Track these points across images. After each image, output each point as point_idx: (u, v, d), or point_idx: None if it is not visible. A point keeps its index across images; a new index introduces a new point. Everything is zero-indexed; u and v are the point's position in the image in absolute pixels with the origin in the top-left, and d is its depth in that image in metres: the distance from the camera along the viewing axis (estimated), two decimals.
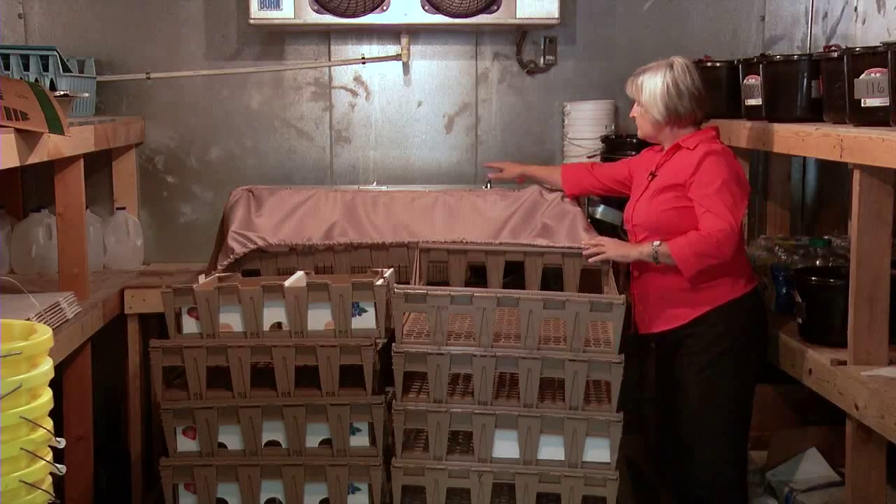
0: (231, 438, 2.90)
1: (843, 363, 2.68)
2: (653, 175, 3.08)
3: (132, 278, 3.80)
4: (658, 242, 2.91)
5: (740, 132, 3.31)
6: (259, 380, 2.90)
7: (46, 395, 2.05)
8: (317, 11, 3.74)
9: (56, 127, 2.63)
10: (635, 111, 3.12)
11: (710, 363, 2.94)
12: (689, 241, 2.88)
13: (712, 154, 2.94)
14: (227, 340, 2.87)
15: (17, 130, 2.53)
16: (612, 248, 3.04)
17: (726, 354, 2.95)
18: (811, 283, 2.97)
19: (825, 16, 3.72)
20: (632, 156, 3.54)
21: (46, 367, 2.06)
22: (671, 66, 3.01)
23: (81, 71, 3.77)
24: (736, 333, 2.96)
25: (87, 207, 3.35)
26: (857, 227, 2.61)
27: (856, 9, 3.47)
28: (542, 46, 4.11)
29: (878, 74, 2.48)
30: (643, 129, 3.13)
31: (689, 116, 3.02)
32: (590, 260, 3.07)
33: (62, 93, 3.17)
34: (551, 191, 3.54)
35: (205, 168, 4.12)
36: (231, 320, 2.89)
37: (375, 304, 2.88)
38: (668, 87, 3.00)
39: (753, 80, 3.26)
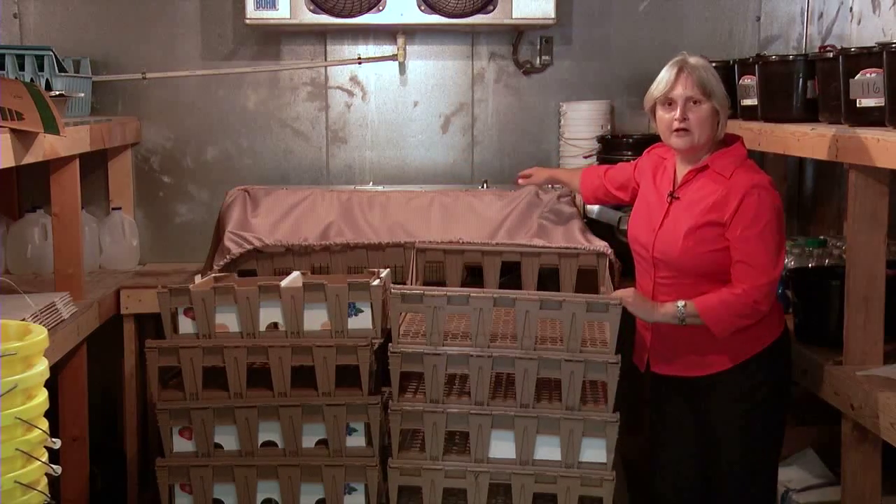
0: (227, 439, 2.90)
1: (839, 363, 2.69)
2: (673, 196, 2.72)
3: (128, 278, 3.79)
4: (683, 303, 2.60)
5: (736, 132, 3.31)
6: (255, 380, 2.90)
7: (42, 396, 2.05)
8: (313, 11, 3.74)
9: (51, 127, 2.63)
10: (697, 112, 2.62)
11: (750, 410, 2.69)
12: (722, 301, 2.58)
13: (757, 189, 2.58)
14: (224, 341, 2.87)
15: (13, 130, 2.53)
16: (633, 304, 2.67)
17: (767, 400, 2.70)
18: (807, 283, 2.97)
19: (821, 16, 3.73)
20: (628, 157, 3.53)
21: (42, 367, 2.06)
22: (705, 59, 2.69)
23: (77, 71, 3.77)
24: (776, 378, 2.73)
25: (82, 207, 3.35)
26: (853, 228, 2.61)
27: (851, 9, 3.48)
28: (539, 46, 4.11)
29: (873, 75, 2.48)
30: (702, 135, 2.64)
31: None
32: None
33: (58, 93, 3.18)
34: (547, 191, 3.55)
35: (201, 168, 4.12)
36: (227, 321, 2.88)
37: (372, 304, 2.88)
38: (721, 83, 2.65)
39: (749, 81, 3.27)
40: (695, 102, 2.63)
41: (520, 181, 3.41)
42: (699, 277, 2.65)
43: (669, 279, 2.71)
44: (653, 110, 2.73)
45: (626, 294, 2.68)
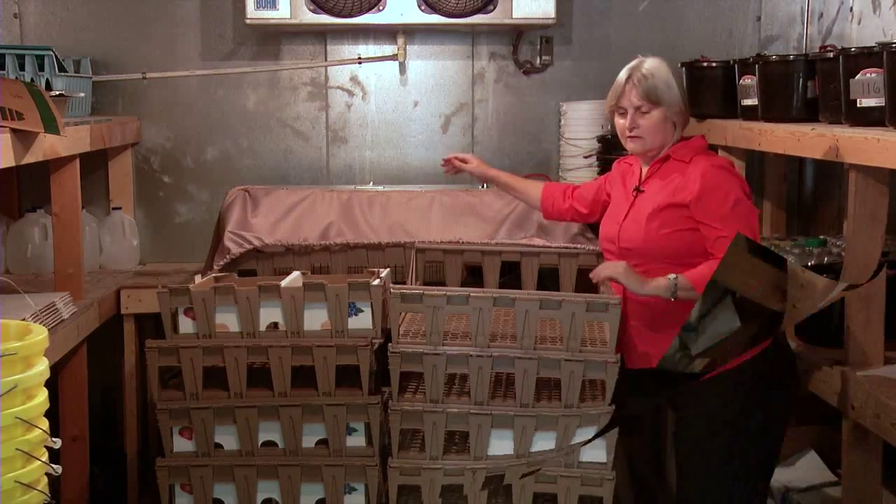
0: (227, 439, 2.90)
1: (840, 363, 2.68)
2: (638, 190, 2.74)
3: (128, 278, 3.79)
4: (675, 276, 2.51)
5: (736, 132, 3.31)
6: (255, 380, 2.90)
7: (42, 396, 2.05)
8: (313, 11, 3.75)
9: (52, 127, 2.62)
10: (646, 119, 2.65)
11: (737, 416, 2.57)
12: (712, 270, 2.42)
13: (716, 168, 2.61)
14: (224, 340, 2.87)
15: (13, 130, 2.53)
16: (625, 275, 2.56)
17: (756, 406, 2.59)
18: None
19: (821, 16, 3.73)
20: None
21: (42, 367, 2.05)
22: (661, 60, 2.69)
23: (77, 71, 3.77)
24: (765, 379, 2.60)
25: (82, 207, 3.35)
26: (853, 227, 2.61)
27: (851, 9, 3.48)
28: (539, 46, 4.12)
29: (873, 75, 2.48)
30: (654, 140, 2.68)
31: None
32: (596, 280, 2.66)
33: (58, 93, 3.18)
34: None
35: (201, 168, 4.12)
36: (227, 320, 2.88)
37: (372, 304, 2.88)
38: (679, 84, 2.66)
39: (749, 81, 3.26)
40: (643, 111, 2.67)
41: (455, 162, 3.19)
42: (668, 261, 2.62)
43: (640, 268, 2.65)
44: (612, 115, 2.80)
45: (616, 266, 2.61)
